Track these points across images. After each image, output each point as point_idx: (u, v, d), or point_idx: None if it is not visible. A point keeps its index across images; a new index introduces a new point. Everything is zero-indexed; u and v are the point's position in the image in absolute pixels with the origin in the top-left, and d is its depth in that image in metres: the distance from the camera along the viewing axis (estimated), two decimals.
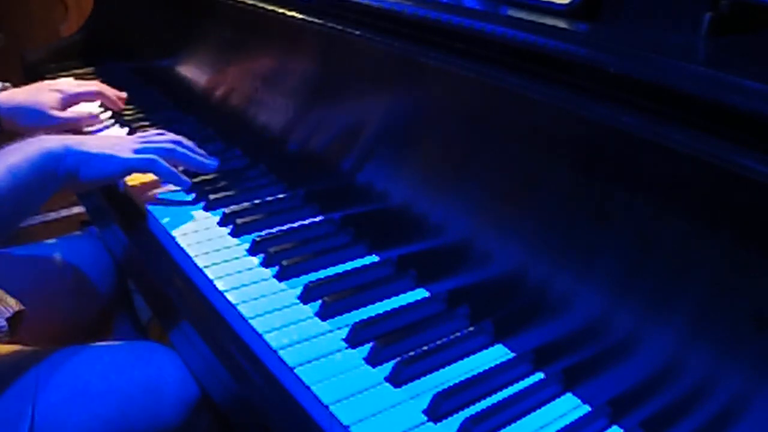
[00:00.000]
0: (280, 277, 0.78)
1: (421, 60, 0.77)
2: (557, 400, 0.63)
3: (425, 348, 0.67)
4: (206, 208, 0.93)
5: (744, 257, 0.52)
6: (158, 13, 1.36)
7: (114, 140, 0.96)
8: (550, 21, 0.71)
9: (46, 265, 1.05)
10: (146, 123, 1.21)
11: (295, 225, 0.89)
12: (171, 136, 0.98)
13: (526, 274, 0.67)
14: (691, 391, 0.54)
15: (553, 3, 0.74)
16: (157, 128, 1.15)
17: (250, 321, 0.71)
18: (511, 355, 0.68)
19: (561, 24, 0.71)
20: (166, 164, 0.93)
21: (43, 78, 1.43)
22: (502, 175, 0.71)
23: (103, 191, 1.05)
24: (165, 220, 0.90)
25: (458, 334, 0.69)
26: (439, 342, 0.68)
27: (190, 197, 0.95)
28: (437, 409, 0.60)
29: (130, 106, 1.27)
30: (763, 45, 0.63)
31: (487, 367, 0.65)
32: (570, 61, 0.64)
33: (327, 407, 0.61)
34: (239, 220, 0.87)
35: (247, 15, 1.04)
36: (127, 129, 1.20)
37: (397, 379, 0.64)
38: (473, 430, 0.58)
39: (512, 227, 0.69)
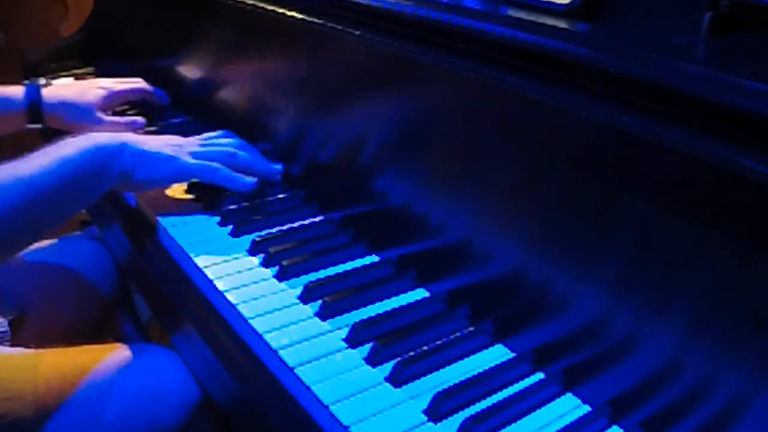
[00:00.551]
0: (280, 277, 0.78)
1: (421, 60, 0.77)
2: (557, 400, 0.63)
3: (425, 348, 0.67)
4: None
5: (744, 257, 0.52)
6: (158, 13, 1.36)
7: (174, 141, 0.92)
8: (550, 21, 0.71)
9: (47, 266, 1.05)
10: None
11: (295, 225, 0.89)
12: (231, 140, 0.95)
13: (526, 274, 0.67)
14: (691, 391, 0.54)
15: (553, 3, 0.74)
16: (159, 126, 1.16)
17: (250, 321, 0.71)
18: (511, 355, 0.68)
19: (561, 24, 0.71)
20: (228, 170, 0.89)
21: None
22: (502, 175, 0.71)
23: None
24: (164, 221, 0.89)
25: (458, 334, 0.69)
26: (439, 342, 0.68)
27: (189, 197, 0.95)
28: (437, 409, 0.60)
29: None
30: (763, 45, 0.63)
31: (487, 367, 0.65)
32: (570, 61, 0.64)
33: (327, 407, 0.61)
34: (239, 220, 0.87)
35: (247, 15, 1.04)
36: None
37: (397, 379, 0.64)
38: (473, 430, 0.58)
39: (512, 227, 0.69)
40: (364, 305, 0.74)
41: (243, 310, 0.72)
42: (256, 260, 0.82)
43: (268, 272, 0.79)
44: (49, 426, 0.77)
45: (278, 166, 0.95)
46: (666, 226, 0.57)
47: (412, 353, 0.66)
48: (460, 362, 0.67)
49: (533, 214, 0.68)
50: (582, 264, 0.63)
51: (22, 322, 0.93)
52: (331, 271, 0.80)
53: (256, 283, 0.77)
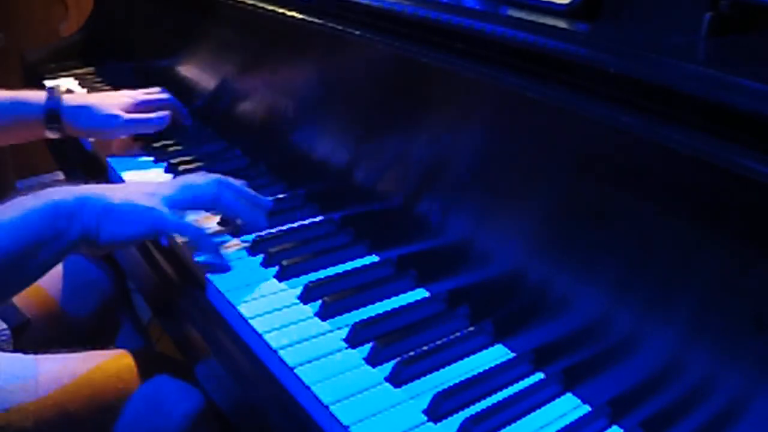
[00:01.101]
0: (280, 277, 0.78)
1: (421, 60, 0.77)
2: (557, 400, 0.63)
3: (425, 348, 0.67)
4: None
5: (744, 257, 0.52)
6: (158, 13, 1.36)
7: (148, 189, 0.77)
8: (550, 21, 0.71)
9: None
10: None
11: (295, 225, 0.89)
12: (214, 176, 0.81)
13: (526, 274, 0.67)
14: (691, 392, 0.54)
15: (553, 3, 0.74)
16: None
17: (250, 321, 0.71)
18: (511, 355, 0.68)
19: (561, 24, 0.71)
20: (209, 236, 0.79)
21: (42, 78, 1.44)
22: (501, 175, 0.71)
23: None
24: None
25: (458, 334, 0.69)
26: (439, 342, 0.68)
27: None
28: (437, 409, 0.60)
29: None
30: (763, 45, 0.63)
31: (487, 367, 0.65)
32: (570, 61, 0.64)
33: (327, 407, 0.61)
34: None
35: (247, 15, 1.04)
36: None
37: (397, 379, 0.64)
38: (473, 430, 0.58)
39: (512, 227, 0.69)
40: (364, 305, 0.74)
41: (243, 310, 0.72)
42: (256, 260, 0.82)
43: (268, 272, 0.79)
44: None
45: (268, 203, 0.85)
46: (665, 226, 0.57)
47: (412, 353, 0.66)
48: (460, 362, 0.67)
49: (533, 214, 0.68)
50: (582, 264, 0.63)
51: (25, 329, 0.93)
52: (331, 271, 0.80)
53: (256, 283, 0.77)
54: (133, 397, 0.80)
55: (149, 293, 0.93)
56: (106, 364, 0.83)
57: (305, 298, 0.75)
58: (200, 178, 0.81)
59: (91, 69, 1.50)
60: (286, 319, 0.72)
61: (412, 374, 0.64)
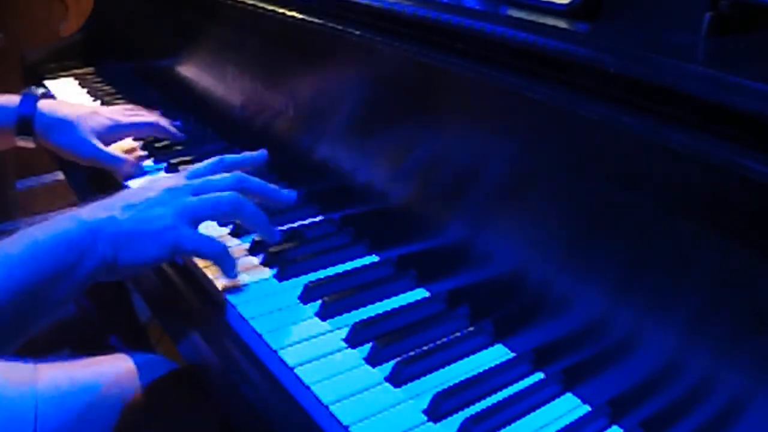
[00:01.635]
0: (280, 277, 0.78)
1: (422, 60, 0.77)
2: (557, 400, 0.63)
3: (425, 348, 0.67)
4: None
5: (744, 257, 0.52)
6: (158, 13, 1.36)
7: (159, 197, 0.73)
8: (550, 21, 0.71)
9: None
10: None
11: (295, 225, 0.89)
12: (233, 175, 0.76)
13: (526, 274, 0.67)
14: (692, 392, 0.54)
15: (553, 3, 0.74)
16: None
17: (250, 321, 0.71)
18: (511, 355, 0.68)
19: (561, 24, 0.71)
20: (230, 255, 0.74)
21: (42, 78, 1.44)
22: (501, 175, 0.71)
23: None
24: None
25: (458, 334, 0.69)
26: (439, 342, 0.68)
27: None
28: (437, 409, 0.60)
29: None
30: (763, 45, 0.63)
31: (487, 367, 0.65)
32: (570, 61, 0.64)
33: (327, 407, 0.61)
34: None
35: (247, 15, 1.04)
36: None
37: (397, 379, 0.64)
38: (473, 430, 0.58)
39: (512, 227, 0.69)
40: (364, 305, 0.74)
41: (243, 310, 0.72)
42: (256, 260, 0.82)
43: (268, 272, 0.79)
44: None
45: (291, 197, 0.80)
46: (666, 226, 0.57)
47: (412, 353, 0.66)
48: (460, 362, 0.67)
49: (533, 214, 0.68)
50: (582, 264, 0.63)
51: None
52: (331, 271, 0.80)
53: (255, 283, 0.77)
54: (134, 401, 0.80)
55: (149, 294, 0.93)
56: (106, 369, 0.83)
57: (305, 298, 0.75)
58: (220, 180, 0.76)
59: (91, 69, 1.50)
60: (286, 319, 0.72)
61: (412, 374, 0.64)
